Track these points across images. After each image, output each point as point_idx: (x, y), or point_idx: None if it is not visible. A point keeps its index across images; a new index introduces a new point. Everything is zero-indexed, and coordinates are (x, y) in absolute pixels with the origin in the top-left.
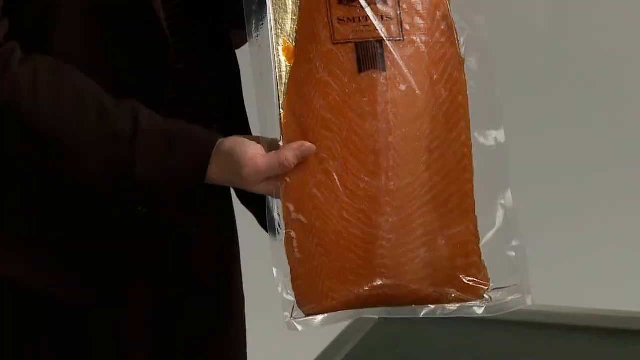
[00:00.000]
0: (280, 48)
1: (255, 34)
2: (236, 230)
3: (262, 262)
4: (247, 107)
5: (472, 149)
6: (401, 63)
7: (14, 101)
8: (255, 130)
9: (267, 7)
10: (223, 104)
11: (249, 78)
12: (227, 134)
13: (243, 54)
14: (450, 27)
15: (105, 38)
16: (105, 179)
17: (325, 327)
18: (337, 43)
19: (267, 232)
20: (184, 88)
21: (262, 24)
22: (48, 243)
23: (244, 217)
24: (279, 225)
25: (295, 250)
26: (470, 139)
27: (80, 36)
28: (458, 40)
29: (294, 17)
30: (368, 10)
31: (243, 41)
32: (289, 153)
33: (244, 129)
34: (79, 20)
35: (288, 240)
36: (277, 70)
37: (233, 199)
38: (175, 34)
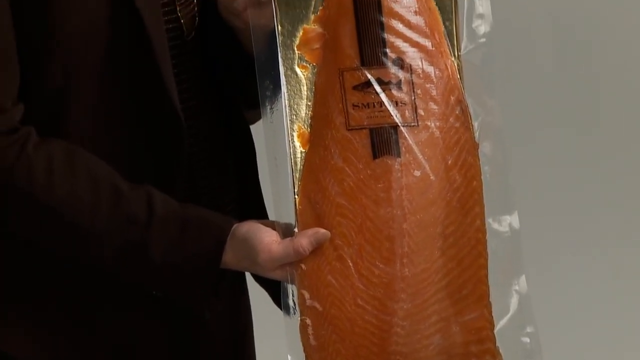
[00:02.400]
0: (295, 134)
1: (270, 119)
2: (250, 316)
3: (277, 346)
4: (262, 188)
5: (486, 234)
6: (416, 149)
7: (30, 187)
8: (270, 210)
9: (282, 93)
10: (238, 184)
11: (264, 158)
12: (243, 215)
13: (258, 134)
14: (465, 111)
15: (119, 122)
16: (120, 264)
17: None
18: (352, 129)
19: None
20: (199, 170)
21: (277, 107)
22: (53, 324)
23: (259, 298)
24: (294, 311)
25: (311, 337)
26: (485, 224)
27: (94, 120)
28: (472, 125)
29: (309, 103)
30: (383, 96)
31: (257, 117)
32: (304, 240)
33: (259, 211)
34: (93, 103)
35: (303, 327)
36: (292, 156)
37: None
38: (189, 117)
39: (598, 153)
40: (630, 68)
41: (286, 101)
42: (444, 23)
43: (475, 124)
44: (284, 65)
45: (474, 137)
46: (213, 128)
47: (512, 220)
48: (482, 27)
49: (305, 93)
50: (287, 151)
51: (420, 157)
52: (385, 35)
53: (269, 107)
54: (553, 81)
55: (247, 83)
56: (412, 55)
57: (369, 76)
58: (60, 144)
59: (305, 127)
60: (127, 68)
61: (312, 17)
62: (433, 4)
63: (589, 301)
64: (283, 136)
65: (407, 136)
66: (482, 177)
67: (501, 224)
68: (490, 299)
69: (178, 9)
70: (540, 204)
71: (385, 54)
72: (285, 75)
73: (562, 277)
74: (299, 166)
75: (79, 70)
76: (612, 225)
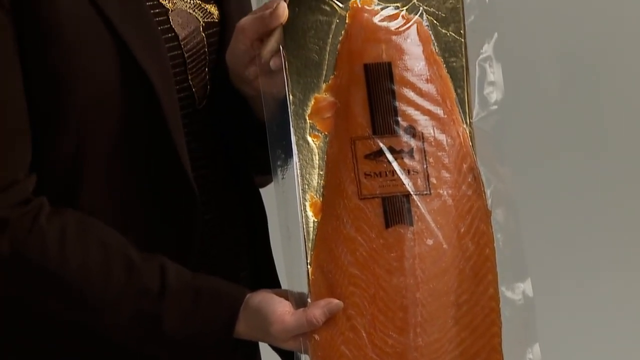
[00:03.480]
0: (307, 203)
1: (282, 188)
2: None
3: None
4: (274, 256)
5: (499, 302)
6: (428, 217)
7: (43, 258)
8: (282, 279)
9: (294, 162)
10: (250, 252)
11: (277, 227)
12: (255, 283)
13: (270, 202)
14: (477, 179)
15: (133, 191)
16: (133, 334)
17: None
18: (364, 198)
19: None
20: (212, 239)
21: (288, 176)
22: None
23: None
24: None
25: None
26: (498, 292)
27: (107, 189)
28: (484, 192)
29: (321, 172)
30: (395, 165)
31: (267, 181)
32: (317, 311)
33: (271, 280)
34: (106, 173)
35: None
36: (304, 226)
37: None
38: (201, 185)
39: (605, 178)
40: (637, 93)
41: (298, 170)
42: (455, 90)
43: (488, 192)
44: (295, 134)
45: (487, 205)
46: (225, 196)
47: (525, 287)
48: (493, 95)
49: (317, 162)
50: (300, 221)
51: (433, 225)
52: (397, 104)
53: (280, 176)
54: (559, 107)
55: (257, 150)
56: (424, 123)
57: (381, 145)
58: (73, 215)
59: (318, 196)
60: (139, 138)
61: (324, 85)
62: (444, 72)
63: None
64: (295, 205)
65: (419, 205)
66: (494, 244)
67: (514, 291)
68: None
69: (190, 77)
70: (547, 228)
71: (397, 122)
72: (297, 145)
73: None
74: (311, 235)
75: (91, 140)
76: (621, 250)
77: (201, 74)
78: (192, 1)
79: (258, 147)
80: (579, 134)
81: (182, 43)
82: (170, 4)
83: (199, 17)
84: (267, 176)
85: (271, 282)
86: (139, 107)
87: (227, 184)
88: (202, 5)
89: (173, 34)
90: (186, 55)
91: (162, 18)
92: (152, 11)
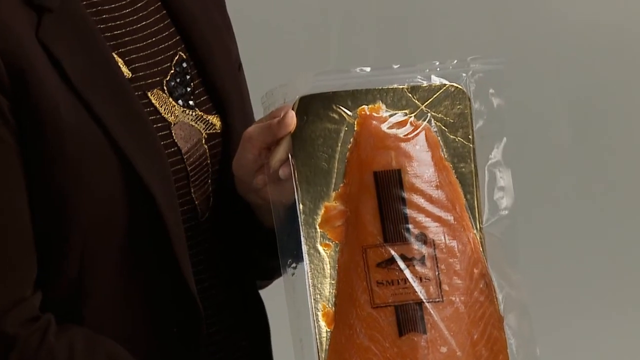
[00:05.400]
0: (319, 313)
1: (293, 297)
2: None
3: None
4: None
5: None
6: (441, 325)
7: None
8: None
9: (306, 272)
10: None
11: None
12: None
13: (280, 313)
14: (489, 285)
15: (138, 307)
16: None
17: None
18: (377, 307)
19: None
20: (215, 351)
21: (300, 286)
22: None
23: None
24: None
25: None
26: None
27: (113, 305)
28: (496, 298)
29: (333, 282)
30: (407, 273)
31: (267, 284)
32: None
33: None
34: (109, 290)
35: None
36: (317, 337)
37: None
38: (205, 298)
39: (618, 226)
40: None
41: (310, 280)
42: (465, 196)
43: (500, 297)
44: (306, 243)
45: (499, 310)
46: (229, 308)
47: None
48: (503, 200)
49: (329, 271)
50: (312, 332)
51: (446, 332)
52: (407, 211)
53: (292, 286)
54: (570, 156)
55: (263, 259)
56: (435, 230)
57: (393, 253)
58: (81, 331)
59: (330, 306)
60: (143, 255)
61: (333, 194)
62: (454, 178)
63: None
64: (307, 316)
65: (432, 312)
66: (508, 350)
67: None
68: None
69: (192, 190)
70: (559, 276)
71: (408, 229)
72: (309, 254)
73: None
74: (324, 346)
75: (95, 258)
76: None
77: (204, 187)
78: (194, 113)
79: (264, 256)
80: (591, 182)
81: (184, 157)
82: (173, 117)
83: (201, 129)
84: (269, 281)
85: None
86: (143, 223)
87: (231, 296)
88: (204, 117)
89: (176, 148)
90: (189, 168)
91: (164, 132)
92: (154, 125)
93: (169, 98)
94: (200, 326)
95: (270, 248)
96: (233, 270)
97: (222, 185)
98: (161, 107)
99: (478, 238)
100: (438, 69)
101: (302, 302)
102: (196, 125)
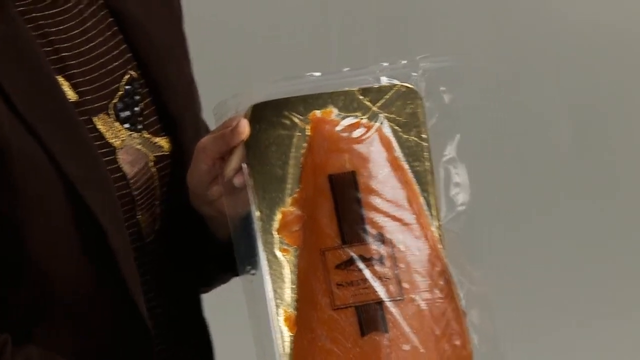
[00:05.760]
0: (281, 318)
1: (254, 305)
2: None
3: None
4: None
5: None
6: (403, 323)
7: None
8: None
9: (264, 278)
10: None
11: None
12: None
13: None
14: (449, 281)
15: (87, 328)
16: None
17: None
18: (338, 308)
19: None
20: None
21: (259, 290)
22: None
23: None
24: None
25: None
26: None
27: (63, 328)
28: (457, 295)
29: (293, 286)
30: (366, 273)
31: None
32: None
33: None
34: (63, 310)
35: None
36: (279, 342)
37: None
38: (155, 317)
39: (618, 226)
40: None
41: (269, 286)
42: (422, 194)
43: (461, 294)
44: (264, 250)
45: (461, 306)
46: (178, 324)
47: None
48: (460, 196)
49: (289, 276)
50: (273, 336)
51: (408, 330)
52: (364, 212)
53: (252, 294)
54: (570, 156)
55: (216, 270)
56: (392, 229)
57: (351, 254)
58: (37, 350)
59: (291, 310)
60: (93, 278)
61: (289, 199)
62: (409, 177)
63: None
64: (267, 322)
65: (393, 311)
66: (471, 345)
67: None
68: None
69: (139, 214)
70: (559, 276)
71: (365, 230)
72: (267, 260)
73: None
74: (287, 350)
75: (47, 280)
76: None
77: (151, 209)
78: (141, 136)
79: (218, 269)
80: (591, 187)
81: (130, 181)
82: (119, 141)
83: (148, 153)
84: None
85: None
86: (91, 248)
87: (178, 313)
88: (151, 140)
89: (121, 173)
90: (135, 193)
91: (109, 158)
92: (100, 150)
93: (115, 122)
94: (151, 345)
95: (225, 261)
96: (179, 288)
97: (171, 205)
98: (107, 131)
99: (437, 235)
100: (388, 70)
101: (263, 309)
102: (143, 149)
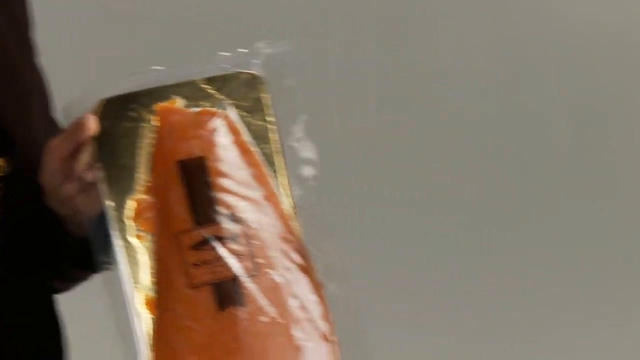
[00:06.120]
0: (139, 301)
1: (113, 293)
2: None
3: None
4: None
5: None
6: (259, 297)
7: None
8: None
9: (120, 265)
10: None
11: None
12: None
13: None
14: (305, 256)
15: None
16: None
17: None
18: (195, 287)
19: None
20: None
21: (118, 281)
22: None
23: None
24: None
25: None
26: None
27: None
28: (314, 268)
29: (152, 271)
30: (221, 251)
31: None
32: None
33: None
34: None
35: None
36: (138, 324)
37: None
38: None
39: (619, 226)
40: None
41: (126, 271)
42: (272, 174)
43: (318, 267)
44: (119, 238)
45: (318, 278)
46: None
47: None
48: (309, 173)
49: (146, 261)
50: (132, 320)
51: (266, 303)
52: (215, 194)
53: (111, 283)
54: (570, 156)
55: (69, 268)
56: (245, 209)
57: (205, 235)
58: None
59: (152, 294)
60: None
61: (142, 188)
62: (258, 159)
63: None
64: (124, 306)
65: (249, 286)
66: (331, 316)
67: None
68: None
69: None
70: (559, 276)
71: (217, 211)
72: (123, 247)
73: None
74: (148, 332)
75: None
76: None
77: None
78: None
79: (72, 267)
80: (591, 188)
81: None
82: None
83: None
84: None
85: None
86: None
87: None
88: None
89: None
90: None
91: None
92: None
93: None
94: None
95: (79, 258)
96: (24, 298)
97: (13, 223)
98: None
99: (292, 212)
100: (230, 59)
101: (121, 294)
102: None
